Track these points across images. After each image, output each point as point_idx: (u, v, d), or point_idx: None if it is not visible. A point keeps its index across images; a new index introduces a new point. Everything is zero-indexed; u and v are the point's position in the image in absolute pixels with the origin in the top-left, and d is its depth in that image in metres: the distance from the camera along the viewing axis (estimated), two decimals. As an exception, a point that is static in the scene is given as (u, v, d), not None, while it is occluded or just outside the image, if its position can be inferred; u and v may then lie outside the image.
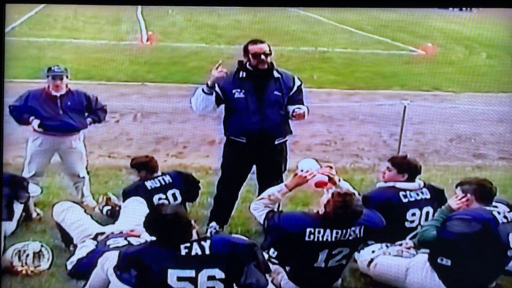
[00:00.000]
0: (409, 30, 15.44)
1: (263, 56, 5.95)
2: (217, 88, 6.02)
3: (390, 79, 12.47)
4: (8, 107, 6.79)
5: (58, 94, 6.84)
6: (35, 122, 6.79)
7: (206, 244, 4.34)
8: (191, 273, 4.27)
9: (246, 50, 6.01)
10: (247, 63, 6.03)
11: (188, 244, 4.32)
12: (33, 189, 6.62)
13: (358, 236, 5.00)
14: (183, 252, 4.30)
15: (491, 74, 12.36)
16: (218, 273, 4.30)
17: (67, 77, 6.90)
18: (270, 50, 6.01)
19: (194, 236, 4.42)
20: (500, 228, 5.00)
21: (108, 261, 4.58)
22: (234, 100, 6.01)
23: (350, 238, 4.97)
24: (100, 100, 7.11)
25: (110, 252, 4.93)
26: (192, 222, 4.48)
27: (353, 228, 4.95)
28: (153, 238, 5.35)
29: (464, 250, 4.99)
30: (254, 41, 6.01)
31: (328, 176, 5.25)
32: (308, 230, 4.91)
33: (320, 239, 4.91)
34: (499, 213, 5.06)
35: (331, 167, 5.34)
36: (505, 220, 5.04)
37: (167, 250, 4.32)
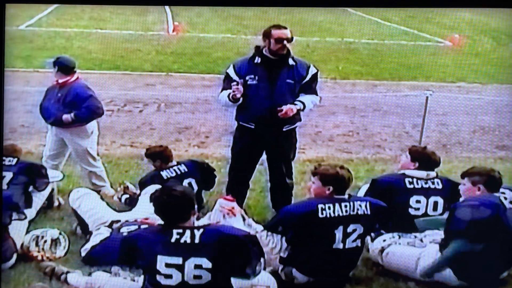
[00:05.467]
0: (436, 21, 15.26)
1: (285, 42, 5.99)
2: (235, 76, 6.07)
3: (415, 71, 12.33)
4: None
5: (58, 86, 6.84)
6: None
7: (198, 233, 4.37)
8: (178, 260, 4.34)
9: (268, 34, 6.03)
10: (264, 48, 6.07)
11: (181, 231, 4.37)
12: (54, 174, 6.69)
13: (366, 212, 5.12)
14: (173, 239, 4.35)
15: (519, 66, 12.16)
16: (205, 263, 4.35)
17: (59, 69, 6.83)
18: (292, 36, 6.03)
19: (192, 223, 4.47)
20: (508, 213, 5.04)
21: None
22: (247, 87, 6.05)
23: (359, 212, 5.10)
24: (97, 100, 6.91)
25: None
26: (195, 208, 4.52)
27: (358, 203, 5.11)
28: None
29: (473, 238, 5.00)
30: (278, 26, 6.02)
31: None
32: (320, 206, 5.03)
33: (332, 214, 5.02)
34: (505, 198, 5.12)
35: None
36: (511, 206, 5.06)
37: (159, 236, 4.38)
